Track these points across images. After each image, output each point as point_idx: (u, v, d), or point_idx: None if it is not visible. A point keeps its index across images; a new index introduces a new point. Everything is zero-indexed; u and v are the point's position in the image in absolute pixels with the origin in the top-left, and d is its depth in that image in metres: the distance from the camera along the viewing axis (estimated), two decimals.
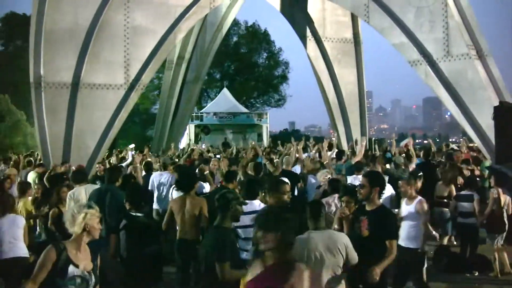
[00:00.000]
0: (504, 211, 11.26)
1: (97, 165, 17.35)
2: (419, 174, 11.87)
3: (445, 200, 12.61)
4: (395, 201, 12.56)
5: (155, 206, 13.57)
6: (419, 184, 11.29)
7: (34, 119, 18.29)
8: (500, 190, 11.37)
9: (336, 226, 7.63)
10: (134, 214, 8.26)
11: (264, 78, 67.50)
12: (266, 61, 68.59)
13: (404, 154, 16.93)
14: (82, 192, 10.71)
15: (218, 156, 21.32)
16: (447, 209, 12.42)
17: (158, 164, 16.07)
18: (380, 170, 13.13)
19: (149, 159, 17.45)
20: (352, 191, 7.79)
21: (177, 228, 9.93)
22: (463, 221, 11.67)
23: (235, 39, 67.01)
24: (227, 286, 6.35)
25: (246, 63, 66.26)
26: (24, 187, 11.65)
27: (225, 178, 11.20)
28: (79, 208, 5.55)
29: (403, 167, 14.70)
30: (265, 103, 69.90)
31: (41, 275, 5.17)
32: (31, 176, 15.50)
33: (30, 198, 11.56)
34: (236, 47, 66.83)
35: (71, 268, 5.30)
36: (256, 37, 66.56)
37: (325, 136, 40.27)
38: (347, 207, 7.73)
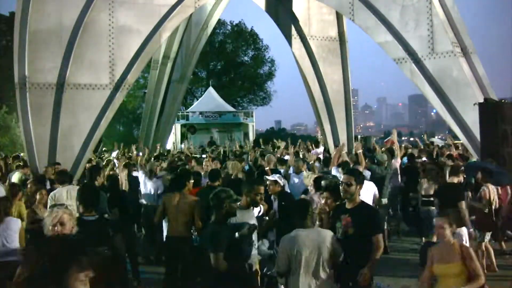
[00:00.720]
0: (493, 208, 11.36)
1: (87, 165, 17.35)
2: None
3: (431, 199, 12.67)
4: (378, 199, 12.73)
5: (143, 201, 13.75)
6: None
7: (19, 120, 18.22)
8: (490, 187, 11.46)
9: (317, 222, 7.68)
10: (85, 218, 7.66)
11: (249, 76, 67.53)
12: (252, 60, 68.58)
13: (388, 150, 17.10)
14: (64, 193, 10.76)
15: (204, 156, 21.37)
16: (434, 208, 12.48)
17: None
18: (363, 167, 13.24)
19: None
20: (332, 188, 7.93)
21: (167, 224, 10.09)
22: None
23: (221, 38, 67.00)
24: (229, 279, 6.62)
25: (232, 62, 66.29)
26: (15, 190, 11.54)
27: (209, 178, 11.33)
28: (52, 208, 5.60)
29: (385, 165, 14.85)
30: (251, 102, 69.99)
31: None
32: (16, 177, 15.42)
33: (20, 200, 11.50)
34: (222, 46, 66.81)
35: None
36: (241, 36, 66.54)
37: (316, 137, 40.27)
38: (326, 203, 7.82)
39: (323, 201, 8.09)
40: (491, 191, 11.48)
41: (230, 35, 67.07)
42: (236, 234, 6.87)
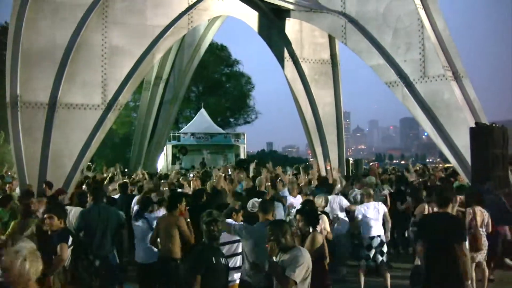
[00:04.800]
0: (483, 230, 11.34)
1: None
2: None
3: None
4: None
5: None
6: None
7: (10, 139, 18.15)
8: (478, 209, 11.46)
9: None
10: None
11: (232, 93, 67.32)
12: (229, 77, 68.41)
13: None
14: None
15: (191, 175, 21.37)
16: None
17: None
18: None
19: (125, 180, 17.45)
20: (304, 212, 8.60)
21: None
22: None
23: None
24: None
25: (213, 82, 66.04)
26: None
27: (194, 198, 11.79)
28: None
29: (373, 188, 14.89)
30: (239, 119, 69.82)
31: None
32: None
33: None
34: (202, 67, 66.59)
35: None
36: (213, 53, 65.95)
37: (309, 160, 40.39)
38: (298, 226, 8.30)
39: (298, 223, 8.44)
40: (477, 213, 11.47)
41: (205, 54, 66.44)
42: (213, 258, 6.83)
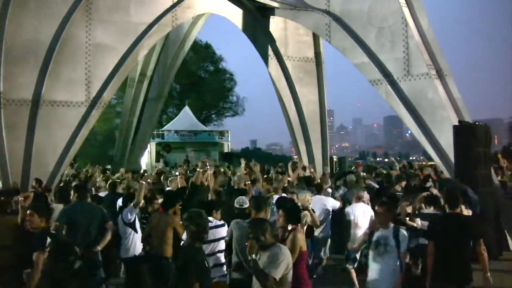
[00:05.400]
0: None
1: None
2: None
3: (407, 219, 12.67)
4: None
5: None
6: None
7: None
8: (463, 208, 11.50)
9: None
10: None
11: (215, 89, 67.07)
12: (212, 73, 68.19)
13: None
14: None
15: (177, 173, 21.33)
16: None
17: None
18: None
19: (113, 179, 17.46)
20: (287, 208, 8.48)
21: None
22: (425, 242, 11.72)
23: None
24: None
25: (196, 79, 65.78)
26: None
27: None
28: None
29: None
30: (221, 114, 69.66)
31: None
32: None
33: None
34: (184, 64, 66.29)
35: None
36: (197, 50, 65.65)
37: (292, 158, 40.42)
38: (279, 221, 8.23)
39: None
40: (463, 212, 11.51)
41: (188, 51, 66.13)
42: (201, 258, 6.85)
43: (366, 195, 15.03)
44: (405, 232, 8.32)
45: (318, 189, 14.38)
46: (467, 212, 11.50)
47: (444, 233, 8.36)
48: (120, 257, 11.41)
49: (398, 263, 8.02)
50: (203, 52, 66.47)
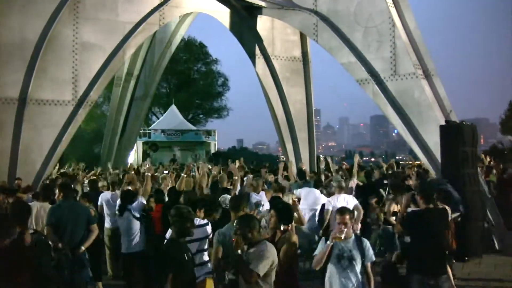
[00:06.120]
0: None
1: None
2: None
3: (394, 217, 12.74)
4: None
5: (107, 225, 13.50)
6: None
7: None
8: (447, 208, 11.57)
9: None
10: None
11: (205, 91, 66.95)
12: (204, 74, 68.04)
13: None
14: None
15: (166, 171, 21.29)
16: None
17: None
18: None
19: (94, 178, 17.47)
20: (278, 208, 8.30)
21: None
22: None
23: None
24: None
25: (186, 78, 65.58)
26: None
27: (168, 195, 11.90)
28: None
29: None
30: (208, 115, 69.53)
31: None
32: None
33: None
34: (175, 63, 66.12)
35: None
36: (190, 50, 65.45)
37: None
38: (271, 220, 8.10)
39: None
40: (448, 212, 11.57)
41: (180, 50, 66.08)
42: (184, 255, 6.86)
43: (352, 183, 15.21)
44: (367, 242, 7.69)
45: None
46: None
47: (420, 227, 8.62)
48: (122, 253, 11.45)
49: (361, 279, 7.51)
50: (197, 52, 66.37)
